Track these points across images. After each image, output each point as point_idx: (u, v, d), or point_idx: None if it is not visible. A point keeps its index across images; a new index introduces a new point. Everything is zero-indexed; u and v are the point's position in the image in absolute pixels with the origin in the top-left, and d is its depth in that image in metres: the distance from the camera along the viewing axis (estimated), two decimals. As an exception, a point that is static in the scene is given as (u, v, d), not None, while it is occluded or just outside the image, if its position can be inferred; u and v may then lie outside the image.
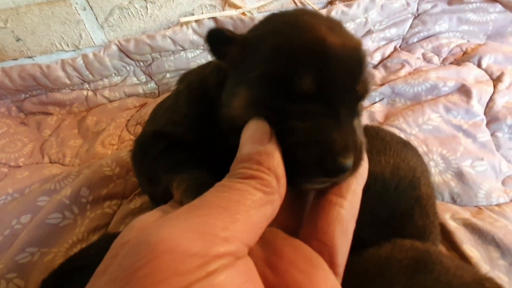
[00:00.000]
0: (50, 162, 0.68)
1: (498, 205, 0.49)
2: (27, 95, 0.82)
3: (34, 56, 0.78)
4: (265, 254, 0.15)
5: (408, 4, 0.75)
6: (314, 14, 0.22)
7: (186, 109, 0.28)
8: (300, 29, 0.19)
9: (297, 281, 0.14)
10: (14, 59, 0.78)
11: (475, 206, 0.49)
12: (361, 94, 0.20)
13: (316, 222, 0.16)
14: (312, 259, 0.15)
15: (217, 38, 0.23)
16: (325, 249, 0.15)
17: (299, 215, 0.18)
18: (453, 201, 0.50)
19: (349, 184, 0.17)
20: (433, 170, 0.52)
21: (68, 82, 0.79)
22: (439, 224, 0.46)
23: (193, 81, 0.30)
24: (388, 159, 0.41)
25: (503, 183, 0.52)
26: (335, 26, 0.20)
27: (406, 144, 0.46)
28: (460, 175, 0.51)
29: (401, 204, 0.37)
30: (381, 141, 0.45)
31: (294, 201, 0.19)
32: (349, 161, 0.17)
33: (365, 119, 0.62)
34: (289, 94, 0.18)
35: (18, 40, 0.75)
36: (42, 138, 0.75)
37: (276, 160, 0.15)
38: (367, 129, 0.48)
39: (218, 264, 0.12)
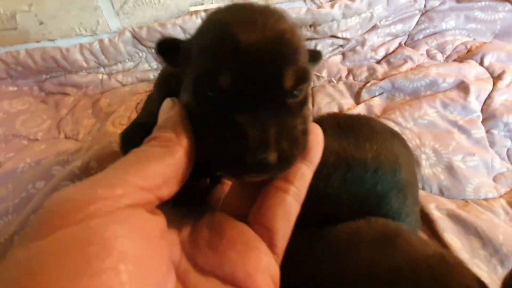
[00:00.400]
0: (65, 138, 0.73)
1: (486, 199, 0.50)
2: (48, 76, 0.87)
3: (55, 39, 0.84)
4: (209, 235, 0.16)
5: (415, 0, 0.75)
6: (242, 9, 0.21)
7: (160, 100, 0.29)
8: (221, 28, 0.19)
9: (232, 260, 0.15)
10: (37, 41, 0.84)
11: (462, 199, 0.50)
12: (289, 87, 0.19)
13: (260, 206, 0.17)
14: (249, 241, 0.16)
15: (166, 47, 0.23)
16: (266, 232, 0.16)
17: (251, 201, 0.18)
18: (441, 193, 0.51)
19: (297, 169, 0.17)
20: (424, 162, 0.53)
21: (85, 65, 0.84)
22: (421, 212, 0.47)
23: (161, 76, 0.32)
24: (372, 146, 0.43)
25: (494, 179, 0.53)
26: (262, 19, 0.19)
27: (394, 134, 0.47)
28: (450, 169, 0.52)
29: (378, 186, 0.39)
30: (370, 129, 0.47)
31: (246, 188, 0.19)
32: (270, 156, 0.17)
33: (363, 112, 0.63)
34: (213, 94, 0.18)
35: (41, 23, 0.80)
36: (59, 116, 0.80)
37: (173, 119, 0.17)
38: (360, 119, 0.50)
39: (99, 205, 0.12)
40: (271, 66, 0.18)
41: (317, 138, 0.19)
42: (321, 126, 0.49)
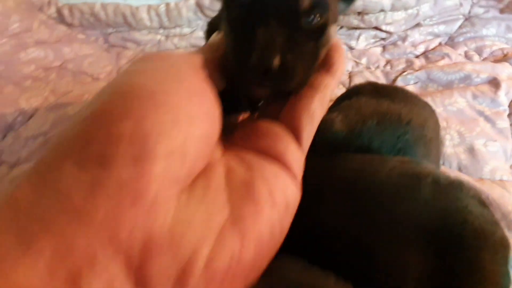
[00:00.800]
0: (124, 81, 0.83)
1: (501, 180, 0.54)
2: (114, 30, 0.98)
3: (127, -2, 0.95)
4: (243, 132, 0.19)
5: (461, 4, 0.80)
6: None
7: None
8: None
9: (264, 143, 0.18)
10: (111, -3, 0.95)
11: (479, 178, 0.54)
12: (304, 8, 0.20)
13: (288, 110, 0.19)
14: (280, 133, 0.18)
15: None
16: (292, 131, 0.18)
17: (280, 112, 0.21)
18: (459, 170, 0.56)
19: (322, 79, 0.20)
20: (447, 142, 0.58)
21: (149, 24, 0.94)
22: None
23: (208, 24, 0.39)
24: (406, 105, 0.48)
25: (511, 167, 0.56)
26: None
27: (426, 104, 0.52)
28: (471, 150, 0.56)
29: (408, 135, 0.44)
30: (404, 95, 0.52)
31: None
32: (271, 59, 0.18)
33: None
34: (237, 11, 0.21)
35: (117, -18, 0.91)
36: (119, 65, 0.90)
37: (213, 39, 0.22)
38: (396, 87, 0.55)
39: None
40: None
41: (339, 53, 0.21)
42: (359, 90, 0.55)
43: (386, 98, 0.50)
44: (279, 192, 0.16)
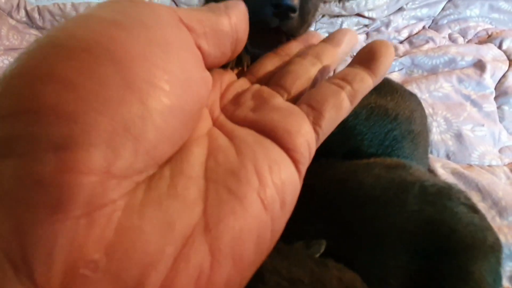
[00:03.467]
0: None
1: (490, 166, 0.53)
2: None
3: (100, -4, 0.91)
4: (253, 100, 0.16)
5: (443, -14, 0.78)
6: None
7: None
8: None
9: (273, 119, 0.14)
10: (83, -3, 0.91)
11: (467, 164, 0.54)
12: None
13: (312, 92, 0.16)
14: (294, 111, 0.15)
15: None
16: (312, 112, 0.15)
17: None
18: (447, 158, 0.55)
19: (358, 73, 0.16)
20: (434, 129, 0.57)
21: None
22: (428, 167, 0.51)
23: None
24: (393, 98, 0.48)
25: (499, 151, 0.56)
26: None
27: (412, 94, 0.52)
28: (458, 136, 0.56)
29: (395, 131, 0.43)
30: (390, 87, 0.51)
31: None
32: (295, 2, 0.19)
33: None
34: None
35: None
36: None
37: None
38: (384, 80, 0.54)
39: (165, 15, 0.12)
40: None
41: (387, 50, 0.16)
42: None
43: (372, 90, 0.49)
44: (276, 185, 0.12)
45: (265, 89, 0.16)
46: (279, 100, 0.15)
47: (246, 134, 0.13)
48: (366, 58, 0.16)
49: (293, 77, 0.17)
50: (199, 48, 0.13)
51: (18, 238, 0.08)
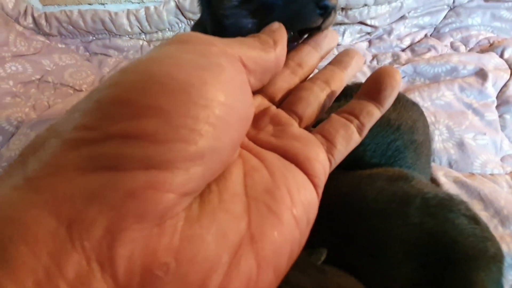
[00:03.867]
0: (107, 91, 0.81)
1: (492, 174, 0.54)
2: (94, 38, 0.95)
3: (106, 3, 0.92)
4: (273, 127, 0.17)
5: (445, -5, 0.79)
6: None
7: None
8: None
9: (294, 146, 0.15)
10: (89, 4, 0.92)
11: (469, 173, 0.54)
12: None
13: (325, 124, 0.17)
14: (311, 140, 0.16)
15: None
16: (326, 143, 0.16)
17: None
18: (450, 166, 0.55)
19: (364, 107, 0.17)
20: (436, 138, 0.58)
21: (129, 30, 0.91)
22: (430, 176, 0.52)
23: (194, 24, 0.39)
24: (395, 109, 0.48)
25: (501, 159, 0.56)
26: None
27: (414, 104, 0.52)
28: (460, 145, 0.56)
29: (398, 141, 0.44)
30: (393, 97, 0.52)
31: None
32: (334, 1, 0.24)
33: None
34: None
35: (95, -13, 0.89)
36: (102, 74, 0.88)
37: (274, 31, 0.18)
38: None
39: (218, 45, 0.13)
40: None
41: (392, 81, 0.17)
42: (346, 92, 0.55)
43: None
44: (303, 205, 0.14)
45: (282, 114, 0.18)
46: (296, 128, 0.17)
47: (273, 158, 0.15)
48: (373, 89, 0.17)
49: (305, 105, 0.18)
50: (248, 81, 0.15)
51: (108, 240, 0.09)
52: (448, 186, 0.50)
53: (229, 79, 0.12)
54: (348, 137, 0.17)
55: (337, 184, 0.32)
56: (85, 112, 0.11)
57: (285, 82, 0.20)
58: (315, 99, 0.18)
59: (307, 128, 0.18)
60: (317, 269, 0.21)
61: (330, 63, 0.20)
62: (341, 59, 0.20)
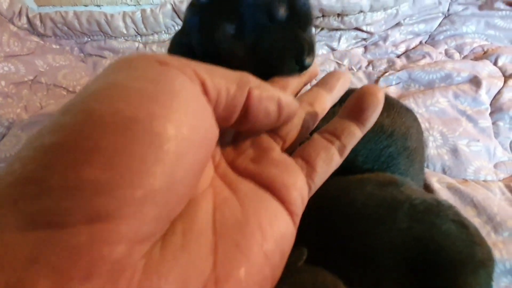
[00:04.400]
0: (101, 93, 0.80)
1: (485, 181, 0.54)
2: (89, 39, 0.95)
3: (102, 5, 0.91)
4: (253, 151, 0.17)
5: (440, 3, 0.80)
6: None
7: None
8: None
9: (271, 173, 0.15)
10: (85, 5, 0.91)
11: (463, 179, 0.54)
12: (312, 20, 0.30)
13: (306, 146, 0.17)
14: (290, 166, 0.16)
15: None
16: (306, 166, 0.16)
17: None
18: (443, 172, 0.55)
19: (346, 127, 0.17)
20: (430, 144, 0.58)
21: (125, 32, 0.91)
22: (423, 183, 0.51)
23: (172, 40, 0.39)
24: (389, 114, 0.48)
25: (495, 166, 0.57)
26: None
27: (408, 110, 0.52)
28: (454, 151, 0.56)
29: (391, 148, 0.44)
30: (387, 103, 0.51)
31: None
32: (311, 60, 0.26)
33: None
34: (269, 19, 0.27)
35: (91, -11, 0.88)
36: (96, 75, 0.87)
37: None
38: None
39: (176, 71, 0.12)
40: (309, 6, 0.29)
41: (374, 100, 0.17)
42: (342, 97, 0.55)
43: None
44: (276, 239, 0.13)
45: (264, 137, 0.17)
46: (277, 152, 0.17)
47: (247, 188, 0.14)
48: (355, 109, 0.17)
49: (288, 126, 0.18)
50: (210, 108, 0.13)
51: None
52: (442, 192, 0.50)
53: (183, 106, 0.11)
54: (329, 160, 0.17)
55: (326, 188, 0.32)
56: (24, 163, 0.10)
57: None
58: (299, 121, 0.18)
59: (290, 149, 0.18)
60: (293, 268, 0.21)
61: (316, 85, 0.20)
62: (327, 80, 0.20)
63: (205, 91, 0.13)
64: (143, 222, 0.10)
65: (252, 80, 0.15)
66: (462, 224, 0.27)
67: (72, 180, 0.09)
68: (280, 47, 0.27)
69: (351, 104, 0.17)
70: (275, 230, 0.13)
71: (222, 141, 0.17)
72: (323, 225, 0.26)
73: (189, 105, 0.12)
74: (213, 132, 0.13)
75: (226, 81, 0.14)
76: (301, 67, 0.26)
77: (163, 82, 0.11)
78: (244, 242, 0.12)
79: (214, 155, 0.16)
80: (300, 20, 0.28)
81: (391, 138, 0.43)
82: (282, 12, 0.27)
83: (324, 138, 0.17)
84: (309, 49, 0.27)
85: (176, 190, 0.11)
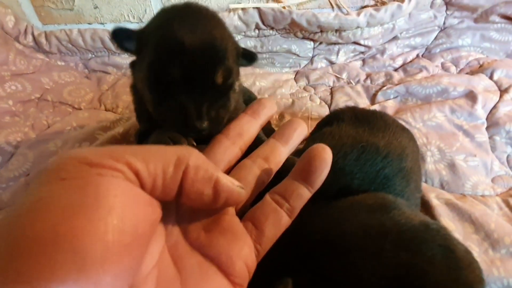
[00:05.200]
0: (106, 110, 0.82)
1: (483, 196, 0.55)
2: (93, 56, 0.97)
3: (105, 23, 0.93)
4: (207, 219, 0.18)
5: (435, 17, 0.81)
6: (188, 13, 0.30)
7: (134, 105, 0.40)
8: (171, 30, 0.28)
9: (220, 244, 0.16)
10: (89, 23, 0.94)
11: (461, 194, 0.55)
12: (219, 82, 0.28)
13: (256, 210, 0.18)
14: (238, 233, 0.17)
15: (119, 35, 0.32)
16: (255, 231, 0.18)
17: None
18: (441, 187, 0.56)
19: (295, 189, 0.18)
20: (428, 159, 0.59)
21: (128, 48, 0.93)
22: (421, 199, 0.52)
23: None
24: (385, 135, 0.49)
25: (492, 180, 0.58)
26: (202, 27, 0.28)
27: (404, 129, 0.53)
28: (452, 166, 0.57)
29: (386, 169, 0.45)
30: (383, 122, 0.53)
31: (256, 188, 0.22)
32: (203, 124, 0.27)
33: (377, 111, 0.69)
34: (166, 78, 0.27)
35: (95, 7, 0.90)
36: (101, 91, 0.89)
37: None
38: (375, 112, 0.56)
39: (102, 170, 0.13)
40: (206, 65, 0.28)
41: (321, 163, 0.18)
42: (339, 116, 0.56)
43: (365, 126, 0.50)
44: None
45: None
46: (229, 217, 0.18)
47: (193, 264, 0.16)
48: (304, 172, 0.19)
49: (243, 184, 0.18)
50: (143, 193, 0.14)
51: None
52: (440, 208, 0.51)
53: (109, 210, 0.12)
54: (278, 223, 0.18)
55: (318, 220, 0.33)
56: None
57: (225, 155, 0.21)
58: (253, 178, 0.20)
59: (244, 208, 0.19)
60: None
61: (273, 136, 0.22)
62: (283, 132, 0.22)
63: (140, 181, 0.14)
64: None
65: (192, 158, 0.15)
66: (449, 249, 0.28)
67: None
68: (168, 116, 0.29)
69: (300, 166, 0.19)
70: None
71: (179, 209, 0.18)
72: (315, 256, 0.27)
73: (116, 206, 0.12)
74: (147, 222, 0.14)
75: (163, 163, 0.14)
76: (197, 132, 0.27)
77: (89, 188, 0.12)
78: None
79: (167, 225, 0.17)
80: (196, 82, 0.27)
81: (386, 159, 0.44)
82: (175, 73, 0.27)
83: (274, 200, 0.19)
84: (198, 114, 0.27)
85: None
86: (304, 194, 0.19)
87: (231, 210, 0.18)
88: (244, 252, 0.17)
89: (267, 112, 0.24)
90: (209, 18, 0.31)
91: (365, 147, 0.46)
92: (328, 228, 0.32)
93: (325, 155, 0.18)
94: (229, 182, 0.16)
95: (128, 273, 0.13)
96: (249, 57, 0.36)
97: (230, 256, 0.16)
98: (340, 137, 0.48)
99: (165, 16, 0.31)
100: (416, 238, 0.29)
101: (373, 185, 0.43)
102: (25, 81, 0.83)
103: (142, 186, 0.14)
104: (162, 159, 0.15)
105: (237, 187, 0.17)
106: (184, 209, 0.18)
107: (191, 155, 0.15)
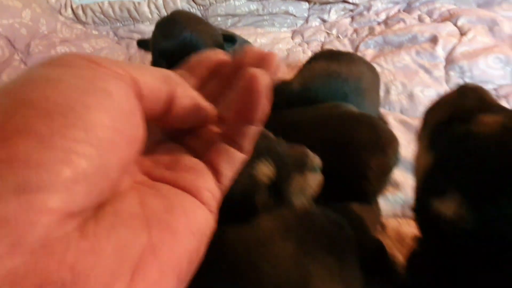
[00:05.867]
0: (135, 67, 1.01)
1: (433, 118, 0.69)
2: (121, 25, 1.14)
3: (131, -5, 1.10)
4: (169, 159, 0.17)
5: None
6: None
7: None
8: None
9: (185, 178, 0.16)
10: (117, -4, 1.11)
11: (416, 117, 0.69)
12: None
13: (211, 151, 0.18)
14: (201, 170, 0.17)
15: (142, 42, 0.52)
16: (213, 171, 0.17)
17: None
18: (401, 113, 0.71)
19: (240, 127, 0.18)
20: (392, 92, 0.73)
21: (150, 16, 1.09)
22: (381, 120, 0.68)
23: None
24: (348, 66, 0.64)
25: (445, 107, 0.71)
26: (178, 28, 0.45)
27: (366, 63, 0.68)
28: (411, 96, 0.71)
29: (345, 87, 0.61)
30: (350, 58, 0.67)
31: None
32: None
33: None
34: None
35: (121, -19, 1.07)
36: (129, 54, 1.07)
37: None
38: (346, 53, 0.71)
39: (112, 73, 0.13)
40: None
41: (257, 97, 0.16)
42: (318, 56, 0.74)
43: (335, 61, 0.65)
44: (197, 223, 0.15)
45: (176, 146, 0.19)
46: (187, 159, 0.18)
47: (166, 188, 0.16)
48: (244, 113, 0.17)
49: (201, 142, 0.19)
50: (140, 106, 0.15)
51: None
52: (394, 124, 0.65)
53: (116, 104, 0.13)
54: (231, 160, 0.18)
55: (291, 113, 0.52)
56: None
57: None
58: (210, 138, 0.19)
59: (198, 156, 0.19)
60: None
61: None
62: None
63: (136, 89, 0.14)
64: (75, 197, 0.11)
65: (176, 78, 0.16)
66: (374, 125, 0.45)
67: (2, 154, 0.10)
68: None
69: (239, 107, 0.17)
70: (197, 216, 0.15)
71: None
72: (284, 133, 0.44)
73: (122, 104, 0.13)
74: (141, 129, 0.14)
75: (154, 79, 0.15)
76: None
77: (97, 81, 0.13)
78: (174, 222, 0.14)
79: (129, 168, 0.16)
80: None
81: (346, 81, 0.60)
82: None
83: (224, 141, 0.18)
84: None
85: (108, 173, 0.12)
86: (250, 131, 0.18)
87: (188, 155, 0.18)
88: (209, 185, 0.17)
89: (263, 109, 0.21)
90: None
91: (330, 72, 0.62)
92: (297, 118, 0.50)
93: (258, 87, 0.16)
94: (204, 100, 0.18)
95: (124, 164, 0.13)
96: (229, 39, 0.52)
97: (197, 187, 0.16)
98: (314, 68, 0.64)
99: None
100: (351, 118, 0.46)
101: (335, 99, 0.59)
102: (71, 46, 1.02)
103: (138, 96, 0.14)
104: (153, 75, 0.15)
105: (210, 105, 0.18)
106: (142, 155, 0.17)
107: (173, 74, 0.17)
